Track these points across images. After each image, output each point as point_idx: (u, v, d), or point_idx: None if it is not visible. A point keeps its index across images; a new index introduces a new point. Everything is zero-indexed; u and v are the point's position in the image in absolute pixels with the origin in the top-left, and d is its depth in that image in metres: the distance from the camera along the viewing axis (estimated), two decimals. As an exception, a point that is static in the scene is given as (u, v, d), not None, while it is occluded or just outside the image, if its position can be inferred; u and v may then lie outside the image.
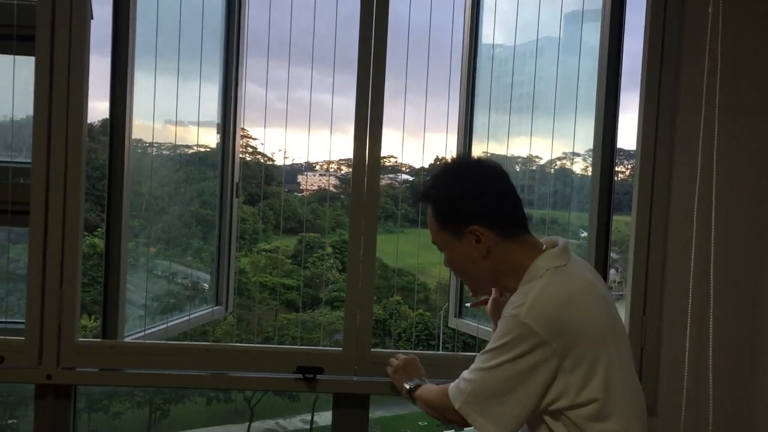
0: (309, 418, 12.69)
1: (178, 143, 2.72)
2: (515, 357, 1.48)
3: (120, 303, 2.20)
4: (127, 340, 2.24)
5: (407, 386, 1.86)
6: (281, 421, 12.78)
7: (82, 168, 2.04)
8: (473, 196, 1.63)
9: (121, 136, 2.19)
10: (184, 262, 2.84)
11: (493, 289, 1.88)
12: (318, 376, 2.10)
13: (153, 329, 2.36)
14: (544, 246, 1.64)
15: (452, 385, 1.62)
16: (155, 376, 2.14)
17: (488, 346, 1.54)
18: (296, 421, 12.77)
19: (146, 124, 2.39)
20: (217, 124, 2.80)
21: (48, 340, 2.05)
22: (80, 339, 2.08)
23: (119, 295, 2.20)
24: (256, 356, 2.13)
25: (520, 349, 1.47)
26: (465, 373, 1.59)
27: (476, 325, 2.42)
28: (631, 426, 1.54)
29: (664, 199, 2.11)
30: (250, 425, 12.38)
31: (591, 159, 2.31)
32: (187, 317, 2.55)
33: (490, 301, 1.89)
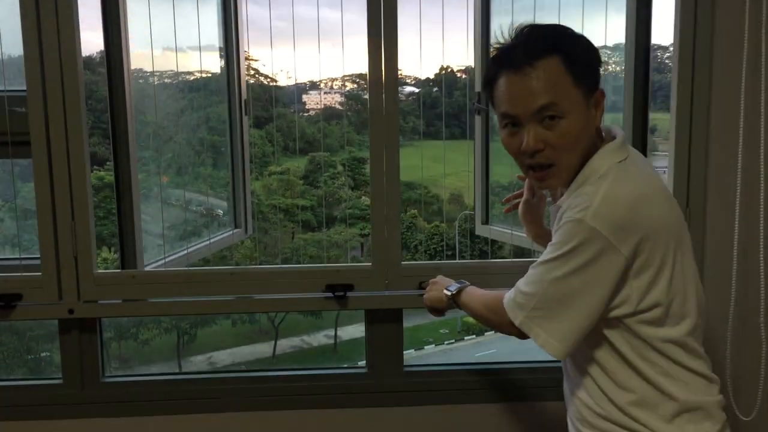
0: (333, 333, 12.98)
1: (180, 70, 2.66)
2: (581, 265, 1.34)
3: (136, 233, 2.18)
4: (147, 269, 2.25)
5: (448, 292, 1.70)
6: (306, 338, 13.08)
7: (82, 94, 1.99)
8: (599, 54, 1.44)
9: (119, 65, 2.11)
10: (197, 189, 2.83)
11: (524, 190, 1.80)
12: (348, 294, 2.09)
13: (173, 256, 2.35)
14: (603, 134, 1.51)
15: (507, 298, 1.46)
16: (180, 304, 2.13)
17: (548, 255, 1.38)
18: (320, 337, 13.08)
19: (145, 53, 2.33)
20: (219, 47, 2.73)
21: (66, 274, 2.04)
22: (100, 270, 2.07)
23: (134, 226, 2.18)
24: (283, 277, 2.10)
25: (586, 256, 1.33)
26: (521, 285, 1.44)
27: (507, 231, 2.38)
28: (691, 330, 1.43)
29: (705, 92, 2.00)
30: (275, 343, 12.69)
31: (624, 55, 2.20)
32: (207, 241, 2.53)
33: (521, 204, 1.80)
